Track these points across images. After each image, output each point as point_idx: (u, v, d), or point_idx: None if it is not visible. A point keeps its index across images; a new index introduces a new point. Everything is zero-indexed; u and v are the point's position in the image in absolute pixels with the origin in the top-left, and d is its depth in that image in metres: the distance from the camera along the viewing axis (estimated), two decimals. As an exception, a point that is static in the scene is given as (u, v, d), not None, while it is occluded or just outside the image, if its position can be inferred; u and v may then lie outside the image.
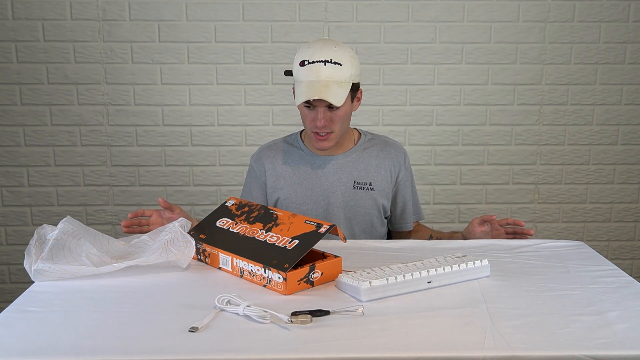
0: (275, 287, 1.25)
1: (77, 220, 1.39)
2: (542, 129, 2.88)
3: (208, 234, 1.46)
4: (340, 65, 1.67)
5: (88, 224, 2.83)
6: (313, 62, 1.67)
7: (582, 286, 1.29)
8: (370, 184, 1.82)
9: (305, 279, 1.26)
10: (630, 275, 1.39)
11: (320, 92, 1.64)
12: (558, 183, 2.93)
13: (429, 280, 1.26)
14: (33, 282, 1.29)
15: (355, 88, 1.74)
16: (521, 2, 2.77)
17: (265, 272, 1.27)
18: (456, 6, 2.77)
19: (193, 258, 1.45)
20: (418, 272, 1.25)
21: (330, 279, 1.30)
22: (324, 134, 1.73)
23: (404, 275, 1.23)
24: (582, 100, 2.86)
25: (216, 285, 1.28)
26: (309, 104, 1.69)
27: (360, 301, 1.19)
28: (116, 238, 1.46)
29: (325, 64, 1.66)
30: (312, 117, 1.71)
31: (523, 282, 1.31)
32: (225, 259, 1.37)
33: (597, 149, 2.91)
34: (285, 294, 1.23)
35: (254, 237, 1.39)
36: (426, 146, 2.87)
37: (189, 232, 1.44)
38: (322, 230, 1.32)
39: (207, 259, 1.43)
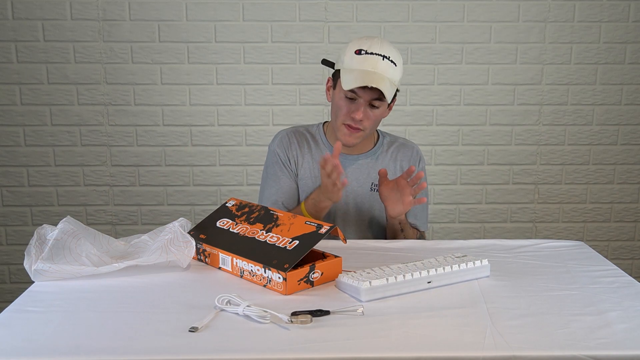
0: (275, 287, 1.25)
1: (77, 220, 1.39)
2: (542, 129, 2.88)
3: (208, 234, 1.47)
4: (395, 65, 1.67)
5: (88, 224, 2.83)
6: (372, 53, 1.66)
7: (582, 286, 1.29)
8: None
9: (305, 279, 1.26)
10: (630, 275, 1.39)
11: (377, 82, 1.62)
12: (558, 183, 2.93)
13: (429, 280, 1.26)
14: (33, 282, 1.29)
15: (394, 96, 1.74)
16: (521, 2, 2.77)
17: (265, 272, 1.27)
18: (456, 6, 2.77)
19: (193, 258, 1.45)
20: (418, 272, 1.25)
21: (330, 279, 1.31)
22: (355, 129, 1.70)
23: (404, 275, 1.23)
24: (582, 100, 2.86)
25: (216, 285, 1.28)
26: (353, 93, 1.66)
27: (360, 301, 1.19)
28: (116, 238, 1.46)
29: (383, 59, 1.65)
30: (350, 109, 1.68)
31: (523, 282, 1.31)
32: (225, 259, 1.37)
33: (597, 149, 2.91)
34: (285, 294, 1.23)
35: (254, 238, 1.39)
36: (426, 146, 2.87)
37: (189, 232, 1.44)
38: (323, 231, 1.32)
39: (207, 259, 1.43)
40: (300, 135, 1.85)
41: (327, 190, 1.61)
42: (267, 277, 1.26)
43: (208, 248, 1.41)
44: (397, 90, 1.73)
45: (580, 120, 2.88)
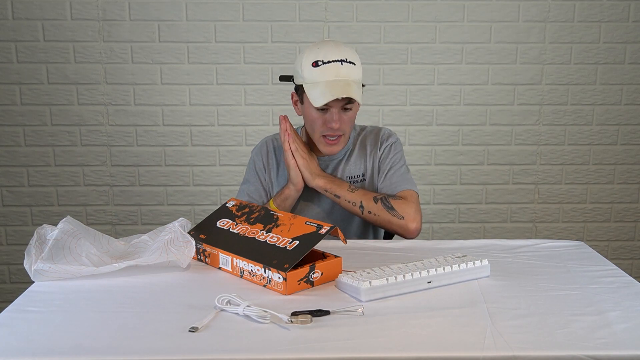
0: (275, 287, 1.25)
1: (77, 220, 1.39)
2: (542, 129, 2.88)
3: (208, 234, 1.47)
4: (354, 64, 1.66)
5: (88, 224, 2.83)
6: (329, 61, 1.63)
7: (582, 286, 1.29)
8: (362, 175, 1.80)
9: (305, 279, 1.26)
10: (630, 275, 1.39)
11: (345, 90, 1.60)
12: (558, 183, 2.93)
13: (429, 280, 1.26)
14: (33, 282, 1.29)
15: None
16: (521, 2, 2.77)
17: (265, 272, 1.27)
18: (456, 6, 2.77)
19: (193, 258, 1.45)
20: (418, 272, 1.25)
21: (330, 279, 1.31)
22: (334, 137, 1.70)
23: (404, 275, 1.23)
24: (582, 100, 2.86)
25: (216, 285, 1.28)
26: (324, 106, 1.65)
27: (360, 301, 1.19)
28: (116, 238, 1.46)
29: (342, 63, 1.64)
30: (325, 120, 1.67)
31: (523, 282, 1.31)
32: (225, 259, 1.37)
33: (597, 149, 2.91)
34: (286, 294, 1.23)
35: (254, 238, 1.39)
36: (426, 146, 2.87)
37: (189, 232, 1.44)
38: (323, 231, 1.32)
39: (207, 259, 1.43)
40: (277, 142, 1.86)
41: (287, 166, 1.72)
42: (267, 277, 1.26)
43: (208, 248, 1.41)
44: (363, 85, 1.72)
45: (580, 120, 2.88)
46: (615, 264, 1.45)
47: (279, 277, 1.24)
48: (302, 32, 2.76)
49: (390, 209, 1.66)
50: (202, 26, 2.74)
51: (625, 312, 1.15)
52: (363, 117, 2.79)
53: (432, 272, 1.27)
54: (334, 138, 1.70)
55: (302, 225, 1.37)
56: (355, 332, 1.06)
